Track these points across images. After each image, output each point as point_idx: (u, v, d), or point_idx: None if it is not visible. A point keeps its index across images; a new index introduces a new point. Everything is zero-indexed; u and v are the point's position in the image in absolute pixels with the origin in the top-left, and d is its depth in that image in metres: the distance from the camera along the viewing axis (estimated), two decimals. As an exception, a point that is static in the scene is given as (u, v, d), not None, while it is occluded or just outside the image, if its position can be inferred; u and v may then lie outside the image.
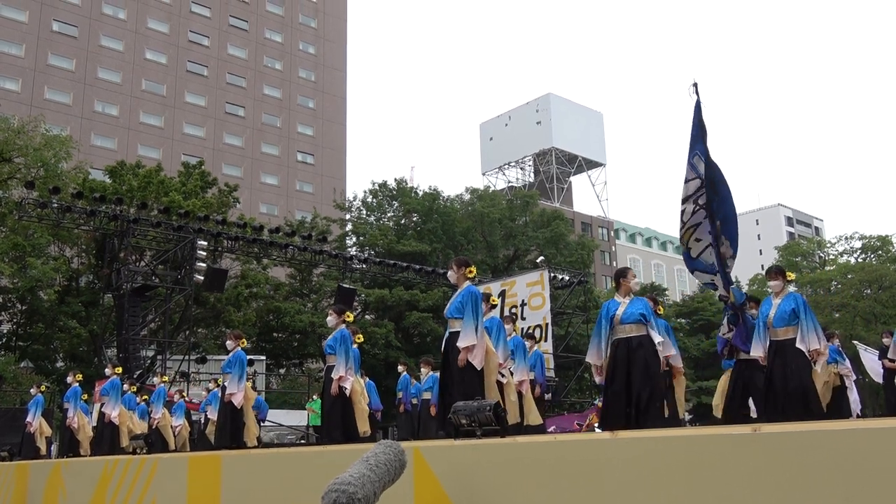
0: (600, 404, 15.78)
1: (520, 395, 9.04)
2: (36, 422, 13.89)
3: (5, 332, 27.54)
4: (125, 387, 14.09)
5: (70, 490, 7.45)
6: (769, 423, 6.90)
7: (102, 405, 13.17)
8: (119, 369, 13.95)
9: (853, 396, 11.07)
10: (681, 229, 7.12)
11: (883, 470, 2.29)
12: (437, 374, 12.76)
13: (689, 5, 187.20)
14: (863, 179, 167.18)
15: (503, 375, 7.69)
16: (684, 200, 7.06)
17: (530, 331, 21.43)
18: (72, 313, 26.39)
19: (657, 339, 7.03)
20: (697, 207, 6.99)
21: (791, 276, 8.28)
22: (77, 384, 13.50)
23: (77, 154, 29.04)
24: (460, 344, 6.68)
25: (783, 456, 2.53)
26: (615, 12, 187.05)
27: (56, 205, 22.32)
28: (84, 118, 50.93)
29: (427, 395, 12.74)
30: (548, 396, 19.16)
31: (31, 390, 15.11)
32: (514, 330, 9.90)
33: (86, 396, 14.00)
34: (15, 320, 27.64)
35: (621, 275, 7.46)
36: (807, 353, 7.37)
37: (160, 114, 54.94)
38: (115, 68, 53.51)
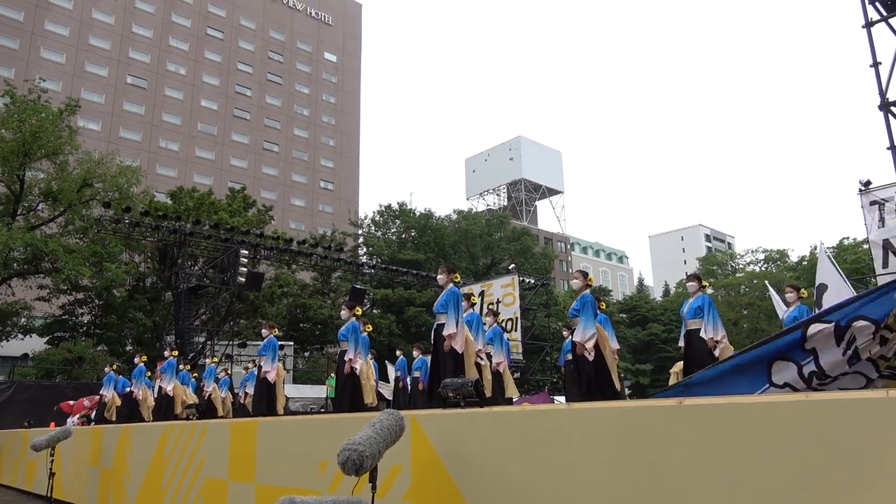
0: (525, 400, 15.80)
1: (499, 373, 8.98)
2: (109, 394, 13.75)
3: (85, 322, 27.31)
4: (180, 366, 13.95)
5: (136, 449, 7.37)
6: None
7: (160, 381, 13.04)
8: (175, 352, 13.81)
9: None
10: None
11: (784, 435, 2.30)
12: (427, 357, 12.66)
13: (623, 60, 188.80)
14: (765, 203, 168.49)
15: (482, 359, 7.66)
16: None
17: (503, 323, 21.40)
18: (139, 307, 26.19)
19: (578, 332, 7.10)
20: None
21: (706, 283, 8.35)
22: (142, 364, 13.36)
23: (145, 181, 28.87)
24: (445, 333, 6.70)
25: (702, 423, 2.54)
26: (572, 74, 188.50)
27: (127, 221, 22.20)
28: (151, 152, 50.71)
29: (416, 374, 12.54)
30: (517, 375, 19.15)
31: (105, 369, 14.97)
32: (496, 322, 9.80)
33: (149, 374, 13.86)
34: (93, 313, 27.41)
35: None
36: (707, 341, 7.49)
37: (212, 149, 54.76)
38: (176, 113, 53.36)
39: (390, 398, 13.85)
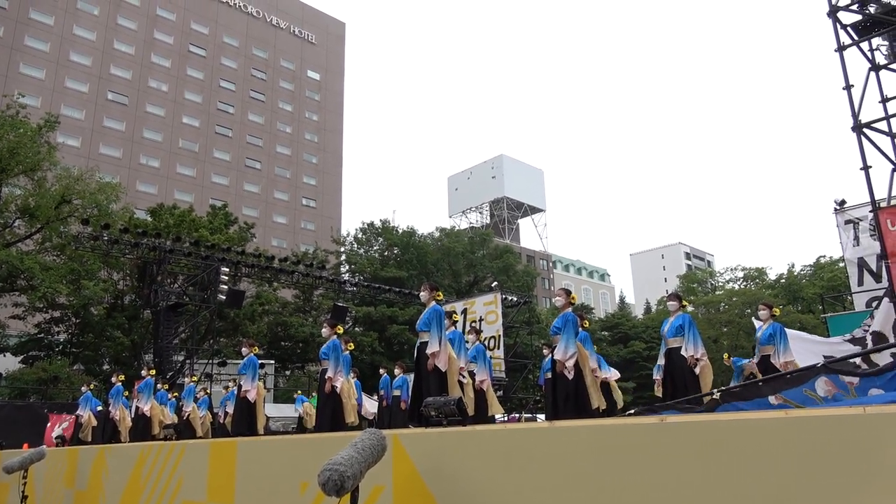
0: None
1: (482, 391, 8.91)
2: (86, 414, 13.49)
3: (62, 340, 26.83)
4: (158, 385, 13.74)
5: (112, 471, 7.23)
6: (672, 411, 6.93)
7: (138, 400, 12.82)
8: (153, 371, 13.59)
9: None
10: None
11: (764, 451, 2.32)
12: (408, 375, 12.54)
13: (604, 80, 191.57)
14: (744, 222, 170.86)
15: (463, 377, 7.62)
16: None
17: (485, 341, 21.39)
18: (117, 325, 25.81)
19: (558, 350, 6.95)
20: None
21: (686, 302, 8.47)
22: (120, 384, 13.13)
23: (125, 197, 28.57)
24: (428, 351, 6.66)
25: (683, 440, 2.55)
26: (553, 93, 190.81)
27: (106, 238, 21.93)
28: (131, 169, 50.29)
29: (397, 393, 12.36)
30: (499, 393, 19.10)
31: (82, 388, 14.69)
32: (478, 339, 9.72)
33: (126, 393, 13.62)
34: (70, 331, 26.96)
35: None
36: (688, 359, 7.60)
37: (193, 166, 54.44)
38: (157, 130, 53.04)
39: (371, 418, 13.72)
